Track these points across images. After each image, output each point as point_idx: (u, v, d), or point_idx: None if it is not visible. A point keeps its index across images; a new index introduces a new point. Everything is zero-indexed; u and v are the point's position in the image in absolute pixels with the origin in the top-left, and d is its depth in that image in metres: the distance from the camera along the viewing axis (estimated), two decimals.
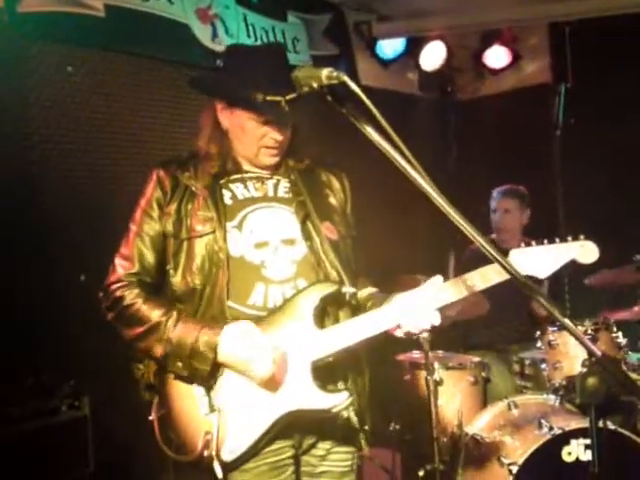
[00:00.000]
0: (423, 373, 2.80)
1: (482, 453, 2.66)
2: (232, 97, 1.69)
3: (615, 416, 2.67)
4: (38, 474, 2.39)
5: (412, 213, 3.70)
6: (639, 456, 2.42)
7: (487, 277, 1.63)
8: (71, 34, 2.93)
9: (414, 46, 4.49)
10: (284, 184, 1.78)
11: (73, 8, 2.91)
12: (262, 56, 1.71)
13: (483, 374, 3.10)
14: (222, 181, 1.74)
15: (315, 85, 1.24)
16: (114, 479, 2.67)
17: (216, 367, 1.61)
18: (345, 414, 1.63)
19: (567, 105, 3.85)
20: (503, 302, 2.92)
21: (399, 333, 1.69)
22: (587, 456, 2.37)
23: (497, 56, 4.56)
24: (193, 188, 1.71)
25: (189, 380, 1.63)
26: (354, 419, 1.66)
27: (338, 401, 1.60)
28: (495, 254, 1.21)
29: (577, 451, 2.41)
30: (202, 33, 3.43)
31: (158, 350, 1.62)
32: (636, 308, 3.09)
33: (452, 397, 2.98)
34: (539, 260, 1.67)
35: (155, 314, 1.64)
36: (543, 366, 2.88)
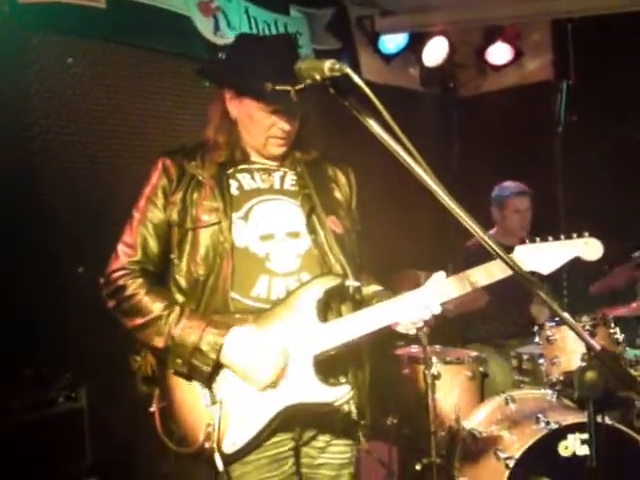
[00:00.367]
0: (421, 367, 2.82)
1: (479, 447, 2.68)
2: (241, 86, 1.68)
3: (612, 411, 2.69)
4: (35, 465, 2.38)
5: (416, 207, 3.70)
6: (636, 451, 2.44)
7: (491, 273, 1.63)
8: (72, 25, 2.92)
9: (416, 41, 4.48)
10: (290, 177, 1.78)
11: None
12: (272, 46, 1.70)
13: (481, 369, 3.11)
14: (229, 171, 1.73)
15: (317, 77, 1.23)
16: (111, 470, 2.67)
17: (217, 367, 1.60)
18: (346, 408, 1.63)
19: (569, 102, 3.85)
20: (502, 297, 2.92)
21: (401, 328, 1.69)
22: (584, 451, 2.38)
23: (499, 52, 4.55)
24: (199, 177, 1.70)
25: (188, 377, 1.62)
26: (354, 412, 1.67)
27: (340, 395, 1.60)
28: (497, 249, 1.21)
29: (574, 446, 2.43)
30: (204, 26, 3.42)
31: (158, 343, 1.61)
32: (634, 304, 3.10)
33: (450, 391, 3.00)
34: (543, 256, 1.68)
35: (157, 307, 1.63)
36: (541, 361, 2.89)
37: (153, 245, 1.69)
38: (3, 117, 2.70)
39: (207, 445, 1.58)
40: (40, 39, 2.85)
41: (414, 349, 3.19)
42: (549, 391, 2.78)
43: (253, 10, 3.67)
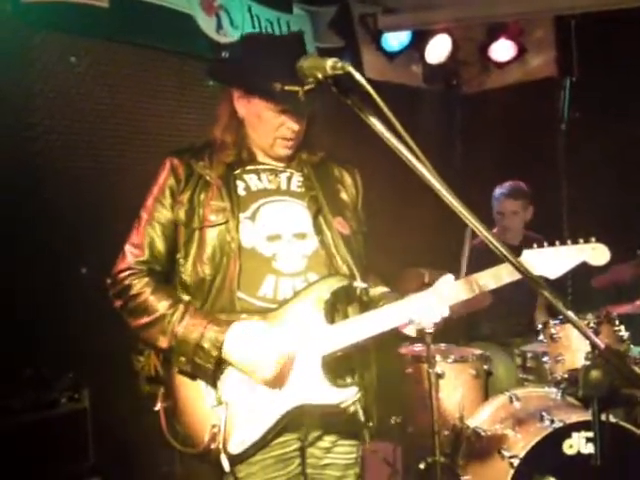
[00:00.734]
0: (425, 366, 2.81)
1: (483, 446, 2.67)
2: (250, 86, 1.68)
3: (617, 409, 2.68)
4: (37, 466, 2.38)
5: (420, 205, 3.69)
6: None
7: (499, 277, 1.64)
8: (75, 24, 2.92)
9: (419, 39, 4.47)
10: (297, 178, 1.78)
11: None
12: (281, 45, 1.69)
13: (485, 367, 3.10)
14: (236, 172, 1.73)
15: (320, 76, 1.23)
16: (114, 471, 2.67)
17: (220, 365, 1.60)
18: (352, 409, 1.63)
19: (572, 99, 3.84)
20: (506, 295, 2.91)
21: (410, 330, 1.69)
22: (588, 449, 2.38)
23: (503, 49, 4.53)
24: (207, 177, 1.70)
25: (192, 376, 1.62)
26: (361, 414, 1.66)
27: (347, 396, 1.60)
28: (502, 249, 1.20)
29: (578, 444, 2.42)
30: (207, 24, 3.42)
31: (163, 342, 1.61)
32: (639, 302, 3.09)
33: (454, 390, 2.99)
34: (550, 261, 1.68)
35: (162, 305, 1.63)
36: (545, 359, 2.89)
37: (160, 245, 1.69)
38: (6, 116, 2.70)
39: (213, 446, 1.58)
40: (43, 38, 2.84)
41: (418, 348, 3.18)
42: (553, 389, 2.78)
43: (256, 8, 3.66)
